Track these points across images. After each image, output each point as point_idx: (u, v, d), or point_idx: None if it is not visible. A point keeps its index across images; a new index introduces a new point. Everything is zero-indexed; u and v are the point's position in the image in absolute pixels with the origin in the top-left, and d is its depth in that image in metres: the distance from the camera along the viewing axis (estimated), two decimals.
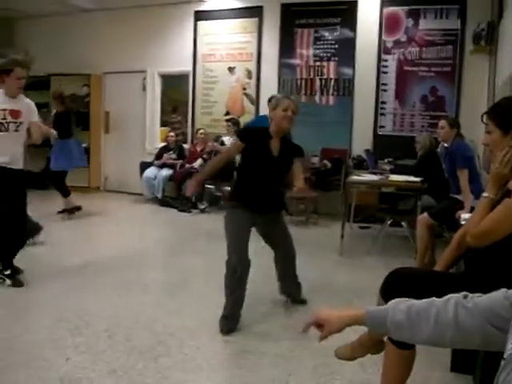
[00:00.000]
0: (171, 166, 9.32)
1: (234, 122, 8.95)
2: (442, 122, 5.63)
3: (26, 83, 4.54)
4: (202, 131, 9.27)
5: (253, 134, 4.00)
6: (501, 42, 7.07)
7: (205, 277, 5.10)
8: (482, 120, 2.67)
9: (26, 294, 4.41)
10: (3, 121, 4.43)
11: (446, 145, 5.85)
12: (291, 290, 4.36)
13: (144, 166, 9.61)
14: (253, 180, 3.94)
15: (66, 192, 7.58)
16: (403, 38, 8.45)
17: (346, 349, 2.78)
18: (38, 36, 11.16)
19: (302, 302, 4.36)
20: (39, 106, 5.15)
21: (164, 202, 9.09)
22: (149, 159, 9.74)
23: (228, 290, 3.75)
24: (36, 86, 9.07)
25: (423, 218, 5.22)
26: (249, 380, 3.03)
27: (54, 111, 7.83)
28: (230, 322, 3.73)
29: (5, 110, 4.45)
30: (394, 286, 2.47)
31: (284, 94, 4.54)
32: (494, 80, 7.27)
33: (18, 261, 4.71)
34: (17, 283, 4.54)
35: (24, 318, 3.93)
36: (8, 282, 4.55)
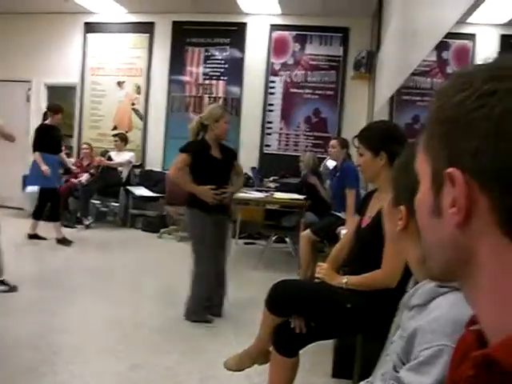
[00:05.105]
0: None
1: (122, 137, 8.85)
2: (334, 142, 5.88)
3: None
4: (85, 146, 9.10)
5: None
6: (378, 70, 7.51)
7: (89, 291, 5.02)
8: (353, 143, 2.85)
9: None
10: None
11: (334, 163, 6.12)
12: None
13: (26, 179, 9.25)
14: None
15: None
16: (290, 61, 8.77)
17: (234, 360, 2.87)
18: None
19: None
20: None
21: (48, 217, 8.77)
22: None
23: None
24: None
25: (306, 234, 5.42)
26: None
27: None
28: None
29: None
30: (279, 297, 2.61)
31: (220, 105, 5.04)
32: (373, 104, 7.70)
33: None
34: None
35: None
36: None
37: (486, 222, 0.57)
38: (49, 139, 6.99)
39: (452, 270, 0.65)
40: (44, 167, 6.82)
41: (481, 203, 0.57)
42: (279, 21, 8.82)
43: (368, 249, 2.55)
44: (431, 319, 1.11)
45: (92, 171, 8.71)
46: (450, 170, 0.59)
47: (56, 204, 7.15)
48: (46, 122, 7.07)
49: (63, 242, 6.93)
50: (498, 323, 0.59)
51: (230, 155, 4.54)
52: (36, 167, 6.97)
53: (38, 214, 7.11)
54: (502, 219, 0.56)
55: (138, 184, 8.81)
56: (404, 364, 1.14)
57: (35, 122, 9.75)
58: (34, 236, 7.08)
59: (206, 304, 4.40)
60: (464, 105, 0.58)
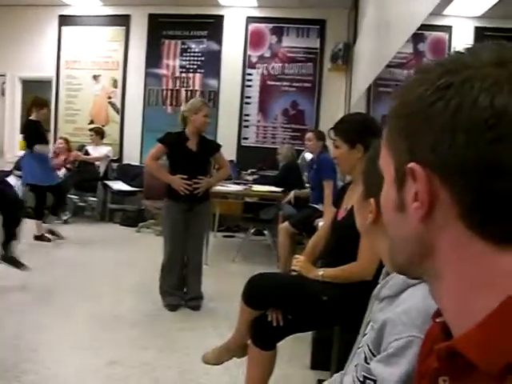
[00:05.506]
0: None
1: (98, 131, 8.76)
2: (310, 135, 5.89)
3: None
4: (60, 141, 8.97)
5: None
6: (355, 62, 7.54)
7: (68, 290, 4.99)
8: (329, 136, 2.85)
9: None
10: None
11: (311, 156, 6.13)
12: None
13: (2, 175, 9.11)
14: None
15: None
16: (267, 54, 8.76)
17: (213, 354, 2.88)
18: None
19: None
20: None
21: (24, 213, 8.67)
22: (8, 168, 9.27)
23: None
24: None
25: (284, 226, 5.42)
26: None
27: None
28: None
29: None
30: (256, 291, 2.60)
31: (201, 99, 5.20)
32: (350, 96, 7.73)
33: None
34: None
35: None
36: None
37: (449, 215, 0.57)
38: (40, 134, 6.80)
39: (415, 264, 0.65)
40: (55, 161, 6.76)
41: (442, 197, 0.57)
42: (256, 13, 8.79)
43: (344, 241, 2.56)
44: (402, 311, 1.12)
45: (69, 166, 8.61)
46: (410, 164, 0.59)
47: (45, 201, 7.05)
48: (31, 117, 6.76)
49: (41, 238, 6.85)
50: (460, 316, 0.59)
51: (210, 148, 4.59)
52: (29, 164, 6.83)
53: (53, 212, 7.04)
54: (464, 212, 0.56)
55: (116, 178, 8.76)
56: (375, 355, 1.15)
57: (10, 115, 9.69)
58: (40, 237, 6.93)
59: (175, 292, 4.53)
60: (422, 99, 0.58)
